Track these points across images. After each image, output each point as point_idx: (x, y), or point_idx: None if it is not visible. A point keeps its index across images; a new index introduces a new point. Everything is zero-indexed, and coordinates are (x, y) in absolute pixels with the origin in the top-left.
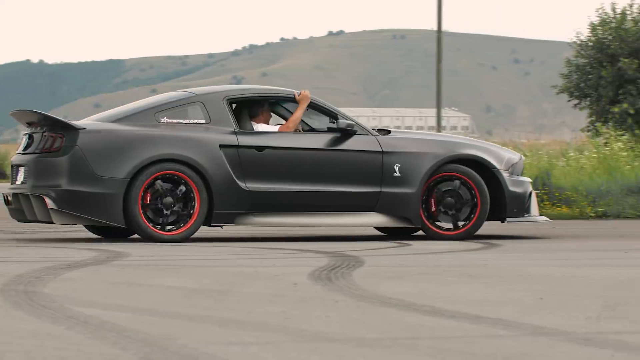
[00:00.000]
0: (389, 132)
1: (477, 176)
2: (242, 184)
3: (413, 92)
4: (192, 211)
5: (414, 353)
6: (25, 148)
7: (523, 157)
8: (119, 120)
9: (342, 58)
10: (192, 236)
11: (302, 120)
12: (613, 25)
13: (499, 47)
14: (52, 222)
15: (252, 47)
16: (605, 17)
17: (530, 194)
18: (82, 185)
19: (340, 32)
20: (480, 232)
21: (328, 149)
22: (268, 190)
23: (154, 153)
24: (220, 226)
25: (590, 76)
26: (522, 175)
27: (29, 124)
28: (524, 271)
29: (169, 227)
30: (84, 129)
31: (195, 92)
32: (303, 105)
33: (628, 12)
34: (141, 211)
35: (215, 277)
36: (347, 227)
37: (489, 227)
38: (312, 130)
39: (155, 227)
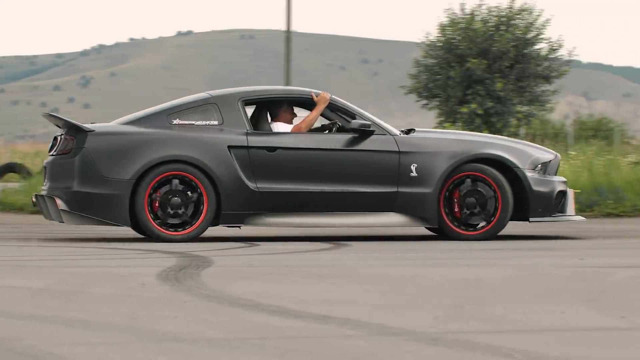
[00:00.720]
0: (411, 131)
1: (499, 175)
2: (251, 185)
3: None
4: (200, 212)
5: (261, 353)
6: (50, 150)
7: (559, 156)
8: (132, 122)
9: (190, 58)
10: (201, 235)
11: (336, 121)
12: (462, 25)
13: (347, 47)
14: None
15: (101, 47)
16: (454, 17)
17: (561, 193)
18: (90, 187)
19: (189, 32)
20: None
21: (342, 149)
22: (279, 190)
23: (160, 154)
24: (238, 226)
25: (438, 76)
26: (556, 174)
27: (59, 127)
28: (373, 271)
29: (177, 228)
30: (93, 131)
31: (211, 94)
32: (320, 107)
33: (477, 13)
34: (148, 212)
35: (63, 278)
36: (364, 227)
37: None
38: (340, 130)
39: (163, 228)
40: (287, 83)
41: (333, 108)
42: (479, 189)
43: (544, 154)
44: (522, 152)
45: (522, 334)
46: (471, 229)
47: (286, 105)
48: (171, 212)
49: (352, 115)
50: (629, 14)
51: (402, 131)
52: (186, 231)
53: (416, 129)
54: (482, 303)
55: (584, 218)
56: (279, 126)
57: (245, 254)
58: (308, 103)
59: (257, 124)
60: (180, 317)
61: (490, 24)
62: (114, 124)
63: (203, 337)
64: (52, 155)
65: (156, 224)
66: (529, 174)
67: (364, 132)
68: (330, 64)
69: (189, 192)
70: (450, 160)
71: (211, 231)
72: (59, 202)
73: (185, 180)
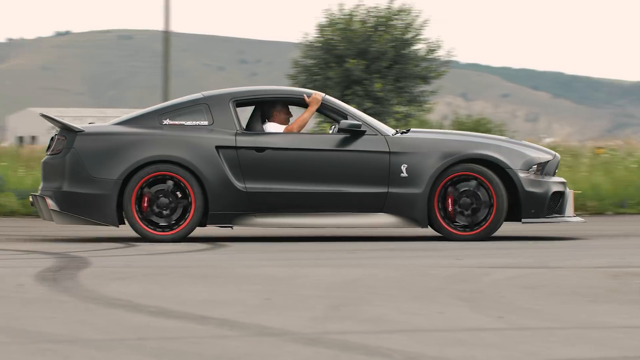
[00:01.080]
0: (407, 131)
1: (494, 176)
2: (240, 185)
3: (140, 92)
4: (187, 212)
5: (140, 353)
6: (47, 150)
7: (558, 156)
8: (123, 122)
9: (68, 58)
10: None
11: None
12: (340, 26)
13: (226, 47)
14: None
15: None
16: (332, 18)
17: (558, 194)
18: (79, 187)
19: (68, 33)
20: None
21: (332, 150)
22: (268, 191)
23: (148, 154)
24: (231, 227)
25: (317, 77)
26: (554, 175)
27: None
28: (252, 271)
29: (164, 228)
30: (82, 131)
31: (204, 95)
32: (312, 108)
33: (355, 13)
34: (135, 212)
35: None
36: (354, 228)
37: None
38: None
39: (151, 228)
40: (165, 83)
41: (325, 108)
42: (473, 189)
43: (541, 154)
44: (516, 152)
45: (400, 334)
46: (468, 229)
47: (281, 106)
48: (158, 212)
49: (344, 115)
50: (507, 14)
51: (397, 131)
52: (174, 231)
53: (412, 129)
54: (361, 303)
55: (582, 219)
56: (272, 127)
57: (124, 254)
58: (301, 103)
59: (251, 124)
60: (58, 318)
61: (368, 25)
62: (106, 125)
63: (81, 337)
64: (47, 155)
65: (143, 224)
66: (522, 175)
67: (355, 132)
68: (209, 64)
69: (177, 192)
70: (441, 161)
71: (90, 231)
72: (49, 202)
73: (174, 181)
